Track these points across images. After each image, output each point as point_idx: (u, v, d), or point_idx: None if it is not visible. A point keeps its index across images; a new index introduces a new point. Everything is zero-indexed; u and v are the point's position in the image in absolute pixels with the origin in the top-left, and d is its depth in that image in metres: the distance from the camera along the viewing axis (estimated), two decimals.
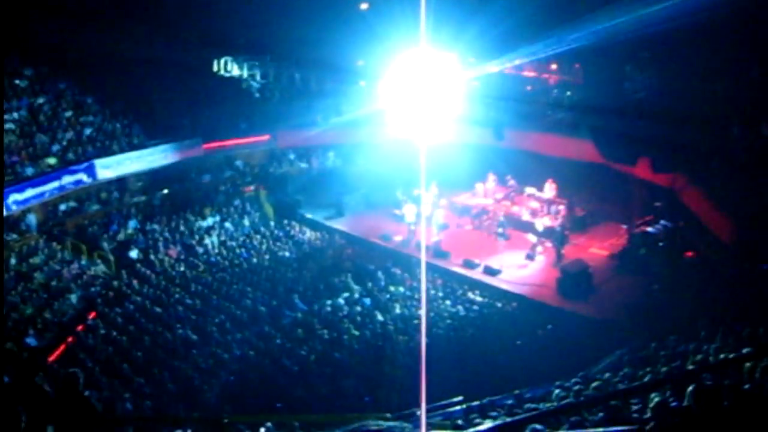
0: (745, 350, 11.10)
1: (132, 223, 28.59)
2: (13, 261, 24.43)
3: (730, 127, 21.32)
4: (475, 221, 27.84)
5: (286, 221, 29.84)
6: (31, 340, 20.41)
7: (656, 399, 8.42)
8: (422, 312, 20.73)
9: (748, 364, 8.52)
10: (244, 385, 17.17)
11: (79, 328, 21.76)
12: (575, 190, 26.97)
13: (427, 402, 12.80)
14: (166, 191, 31.15)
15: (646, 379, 12.36)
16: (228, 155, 32.99)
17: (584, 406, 9.73)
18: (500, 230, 25.65)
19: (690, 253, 21.47)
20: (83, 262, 25.89)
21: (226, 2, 28.31)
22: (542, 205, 26.94)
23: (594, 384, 12.07)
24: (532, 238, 25.29)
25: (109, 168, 29.02)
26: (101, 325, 21.38)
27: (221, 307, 22.09)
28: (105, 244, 27.05)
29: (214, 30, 28.79)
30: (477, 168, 29.46)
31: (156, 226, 28.64)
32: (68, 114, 29.77)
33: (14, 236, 25.64)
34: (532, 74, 25.30)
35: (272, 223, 29.77)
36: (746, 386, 8.09)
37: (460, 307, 21.29)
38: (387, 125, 27.28)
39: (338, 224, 29.40)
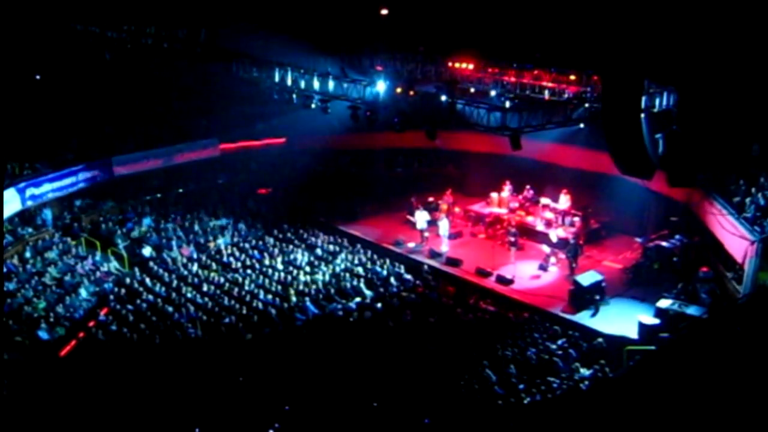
0: None
1: (146, 221, 28.71)
2: (28, 255, 24.59)
3: (750, 144, 21.19)
4: (488, 230, 27.77)
5: (299, 224, 29.85)
6: (43, 334, 20.51)
7: None
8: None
9: None
10: None
11: (91, 323, 21.86)
12: (590, 202, 26.90)
13: None
14: (181, 190, 31.27)
15: None
16: (244, 156, 33.07)
17: None
18: (514, 240, 25.57)
19: (704, 269, 21.36)
20: (97, 258, 26.02)
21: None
22: (557, 216, 26.87)
23: None
24: (546, 248, 25.22)
25: (126, 165, 29.15)
26: (113, 322, 21.49)
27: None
28: (119, 241, 27.16)
29: (232, 33, 28.85)
30: (492, 177, 29.48)
31: (170, 225, 28.74)
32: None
33: (30, 230, 25.82)
34: (549, 84, 25.22)
35: (285, 226, 29.77)
36: None
37: (471, 316, 21.28)
38: (403, 131, 27.31)
39: (351, 229, 29.39)
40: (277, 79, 24.97)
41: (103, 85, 30.32)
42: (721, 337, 15.24)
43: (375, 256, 26.35)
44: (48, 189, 26.36)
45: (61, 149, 28.00)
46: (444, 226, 27.16)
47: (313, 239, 28.39)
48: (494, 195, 28.97)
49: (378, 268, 25.11)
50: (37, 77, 29.71)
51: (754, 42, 17.24)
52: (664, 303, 20.10)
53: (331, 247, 27.54)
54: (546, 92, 24.45)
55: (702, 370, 13.03)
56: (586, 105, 22.09)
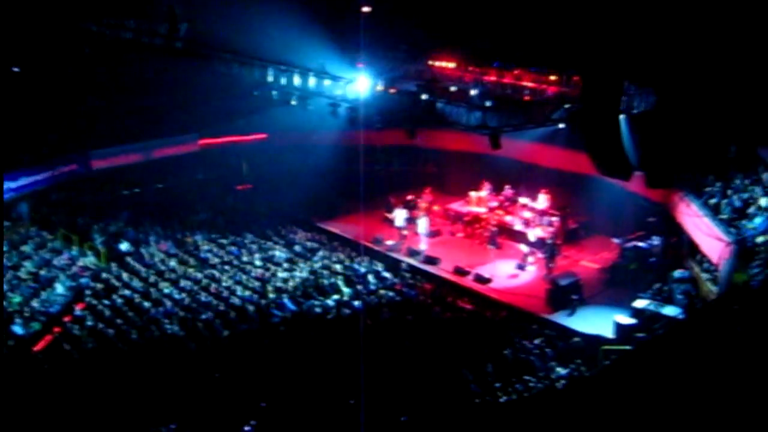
0: None
1: (124, 216, 28.52)
2: (3, 248, 24.35)
3: (727, 147, 21.36)
4: (467, 229, 27.85)
5: (278, 220, 29.81)
6: (17, 329, 20.32)
7: None
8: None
9: None
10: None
11: (67, 318, 21.70)
12: (569, 202, 27.05)
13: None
14: (160, 185, 31.10)
15: None
16: (224, 152, 32.95)
17: None
18: (492, 239, 25.66)
19: (680, 270, 21.55)
20: (73, 252, 25.80)
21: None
22: (535, 215, 26.97)
23: None
24: (524, 248, 25.33)
25: (104, 159, 28.95)
26: (89, 317, 21.35)
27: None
28: (96, 236, 26.96)
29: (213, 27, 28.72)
30: (472, 176, 29.56)
31: (148, 220, 28.58)
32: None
33: (6, 224, 25.56)
34: (530, 84, 25.30)
35: (264, 222, 29.72)
36: None
37: (449, 314, 21.33)
38: (383, 129, 27.34)
39: (330, 226, 29.41)
40: (257, 75, 24.90)
41: (81, 79, 30.10)
42: (695, 337, 15.38)
43: (353, 254, 26.36)
44: (24, 182, 26.12)
45: (38, 142, 27.75)
46: (423, 224, 27.23)
47: (291, 236, 28.37)
48: (473, 194, 29.06)
49: (356, 266, 25.12)
50: (15, 69, 29.42)
51: (732, 44, 17.39)
52: (640, 303, 20.27)
53: (310, 244, 27.52)
54: (526, 92, 24.55)
55: (677, 369, 13.16)
56: (566, 105, 22.19)
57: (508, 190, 28.72)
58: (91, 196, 29.26)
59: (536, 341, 19.39)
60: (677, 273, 21.48)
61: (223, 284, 23.77)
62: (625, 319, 19.78)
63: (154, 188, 31.06)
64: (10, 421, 15.37)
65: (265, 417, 15.61)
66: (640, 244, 23.70)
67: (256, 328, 20.58)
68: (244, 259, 26.02)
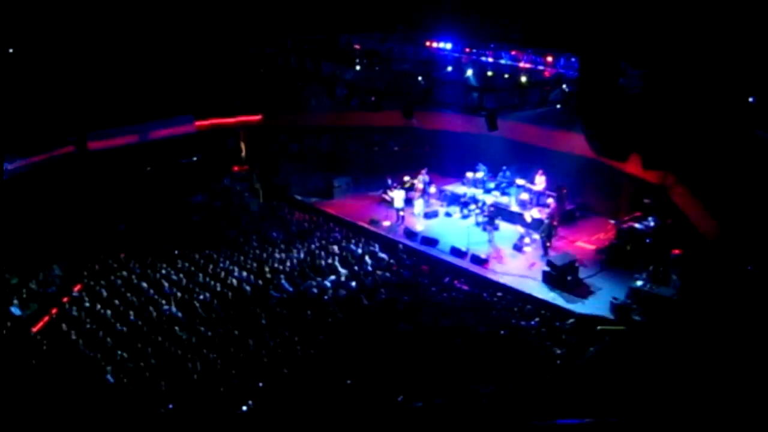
0: None
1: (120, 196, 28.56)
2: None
3: (725, 129, 21.36)
4: (463, 210, 27.86)
5: (275, 202, 29.82)
6: (15, 310, 20.37)
7: None
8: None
9: None
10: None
11: (64, 299, 21.75)
12: (565, 183, 27.04)
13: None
14: (157, 166, 31.07)
15: None
16: (220, 133, 32.90)
17: None
18: (487, 220, 25.69)
19: (677, 251, 21.59)
20: None
21: None
22: (532, 196, 26.97)
23: None
24: (520, 229, 25.36)
25: (101, 140, 28.92)
26: (86, 298, 21.40)
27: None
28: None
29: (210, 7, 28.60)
30: (468, 156, 29.53)
31: (144, 201, 28.60)
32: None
33: None
34: (527, 65, 25.24)
35: (261, 203, 29.73)
36: None
37: (445, 295, 21.39)
38: (380, 110, 27.24)
39: (327, 207, 29.41)
40: (254, 56, 24.86)
41: (78, 60, 30.02)
42: (691, 317, 15.49)
43: (350, 235, 26.39)
44: (21, 164, 26.08)
45: (35, 123, 27.70)
46: (419, 205, 27.23)
47: (288, 217, 28.37)
48: (470, 174, 29.06)
49: (353, 247, 25.15)
50: (10, 51, 29.31)
51: (730, 26, 17.38)
52: (635, 284, 20.32)
53: (306, 224, 27.53)
54: (523, 73, 24.49)
55: (671, 349, 13.27)
56: (563, 86, 22.16)
57: (504, 171, 28.70)
58: (88, 177, 29.23)
59: (532, 322, 19.46)
60: (673, 254, 21.53)
61: (220, 265, 23.81)
62: (621, 300, 19.84)
63: (152, 169, 31.02)
64: (11, 402, 15.46)
65: (263, 397, 15.70)
66: (636, 225, 23.71)
67: (253, 309, 20.63)
68: (241, 239, 26.05)
